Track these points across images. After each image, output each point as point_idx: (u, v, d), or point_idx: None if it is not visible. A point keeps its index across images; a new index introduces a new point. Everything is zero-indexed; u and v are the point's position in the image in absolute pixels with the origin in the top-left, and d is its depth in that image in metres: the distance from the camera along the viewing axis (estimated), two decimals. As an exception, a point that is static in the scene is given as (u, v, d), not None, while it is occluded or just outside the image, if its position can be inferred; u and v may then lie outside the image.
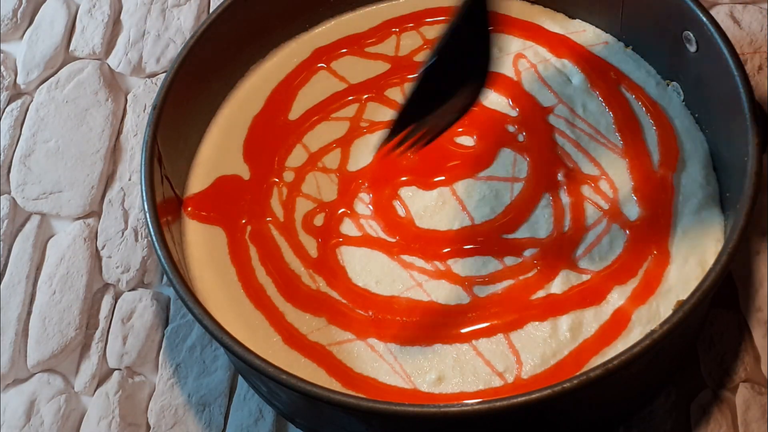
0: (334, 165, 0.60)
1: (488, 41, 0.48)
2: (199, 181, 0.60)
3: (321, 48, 0.66)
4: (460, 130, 0.60)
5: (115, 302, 0.62)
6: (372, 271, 0.55)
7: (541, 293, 0.53)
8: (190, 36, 0.60)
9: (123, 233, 0.65)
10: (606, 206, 0.56)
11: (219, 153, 0.61)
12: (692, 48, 0.56)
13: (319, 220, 0.58)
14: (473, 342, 0.52)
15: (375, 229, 0.57)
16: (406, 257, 0.56)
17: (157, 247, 0.52)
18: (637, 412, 0.54)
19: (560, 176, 0.57)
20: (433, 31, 0.65)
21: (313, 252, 0.57)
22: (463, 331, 0.52)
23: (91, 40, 0.74)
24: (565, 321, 0.52)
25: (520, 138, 0.60)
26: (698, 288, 0.47)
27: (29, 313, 0.63)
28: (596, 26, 0.64)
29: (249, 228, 0.58)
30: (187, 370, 0.59)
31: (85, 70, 0.73)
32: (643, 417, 0.54)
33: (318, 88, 0.64)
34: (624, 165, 0.57)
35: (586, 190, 0.57)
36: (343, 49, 0.65)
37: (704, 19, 0.54)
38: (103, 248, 0.65)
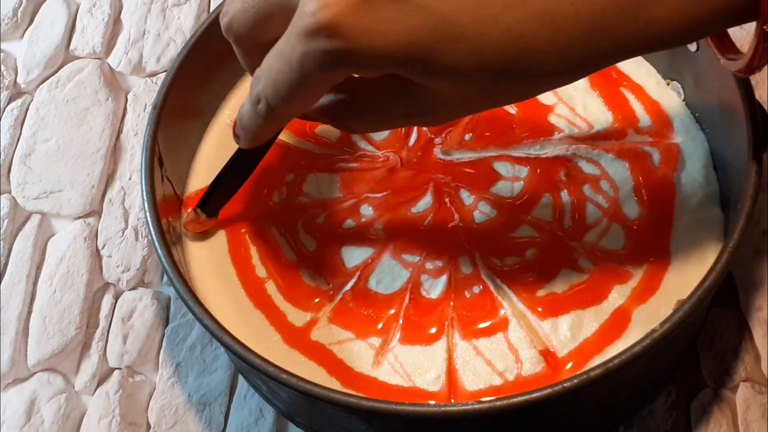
0: (334, 164, 0.60)
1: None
2: (199, 180, 0.60)
3: (321, 47, 0.66)
4: (461, 129, 0.60)
5: (116, 301, 0.62)
6: (372, 269, 0.55)
7: (541, 292, 0.53)
8: (190, 35, 0.60)
9: (123, 232, 0.65)
10: (606, 205, 0.56)
11: (219, 152, 0.61)
12: (693, 47, 0.56)
13: (319, 220, 0.58)
14: (473, 341, 0.52)
15: (376, 228, 0.57)
16: (406, 256, 0.56)
17: (157, 247, 0.52)
18: (637, 412, 0.54)
19: (560, 176, 0.57)
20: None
21: (313, 251, 0.57)
22: (463, 330, 0.52)
23: (91, 40, 0.74)
24: (565, 320, 0.52)
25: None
26: (698, 287, 0.47)
27: (29, 312, 0.63)
28: (596, 26, 0.64)
29: (249, 227, 0.58)
30: (187, 370, 0.59)
31: (86, 70, 0.73)
32: (643, 417, 0.54)
33: (318, 87, 0.64)
34: (624, 164, 0.57)
35: (587, 190, 0.57)
36: (343, 48, 0.65)
37: (704, 18, 0.54)
38: (103, 247, 0.65)
